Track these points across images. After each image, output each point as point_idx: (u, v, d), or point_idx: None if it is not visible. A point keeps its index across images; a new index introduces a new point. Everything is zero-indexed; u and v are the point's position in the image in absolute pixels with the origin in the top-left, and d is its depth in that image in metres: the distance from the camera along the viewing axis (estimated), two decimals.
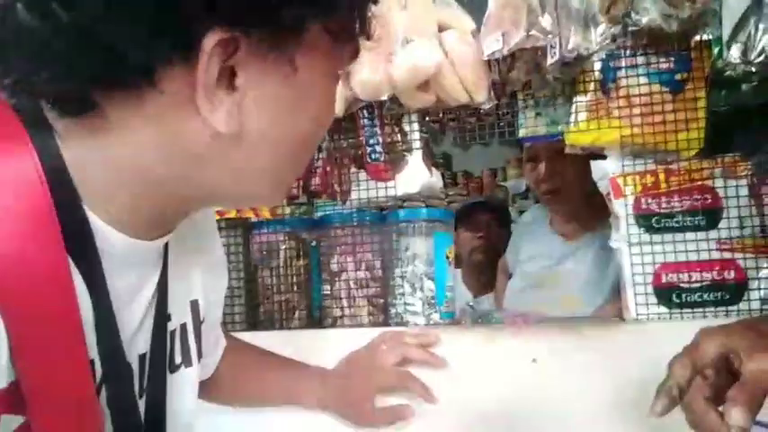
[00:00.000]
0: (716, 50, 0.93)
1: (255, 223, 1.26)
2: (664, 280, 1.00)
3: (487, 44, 0.97)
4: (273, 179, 0.55)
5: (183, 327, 0.66)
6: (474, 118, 1.18)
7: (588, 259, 1.53)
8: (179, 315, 0.65)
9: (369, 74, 1.00)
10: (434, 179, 1.19)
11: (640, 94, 1.01)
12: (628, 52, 1.01)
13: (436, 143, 1.38)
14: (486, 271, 2.22)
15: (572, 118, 1.05)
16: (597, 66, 1.03)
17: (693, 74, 1.00)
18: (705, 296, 0.99)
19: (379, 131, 1.18)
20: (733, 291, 0.98)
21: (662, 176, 1.02)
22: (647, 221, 1.02)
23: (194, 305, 0.68)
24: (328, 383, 1.02)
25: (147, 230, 0.54)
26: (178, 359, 0.65)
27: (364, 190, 1.21)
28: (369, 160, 1.19)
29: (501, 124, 1.16)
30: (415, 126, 1.17)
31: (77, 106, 0.46)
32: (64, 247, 0.46)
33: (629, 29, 0.94)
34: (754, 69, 0.90)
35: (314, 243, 1.25)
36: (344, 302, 1.16)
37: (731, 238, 0.98)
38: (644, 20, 0.92)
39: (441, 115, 1.23)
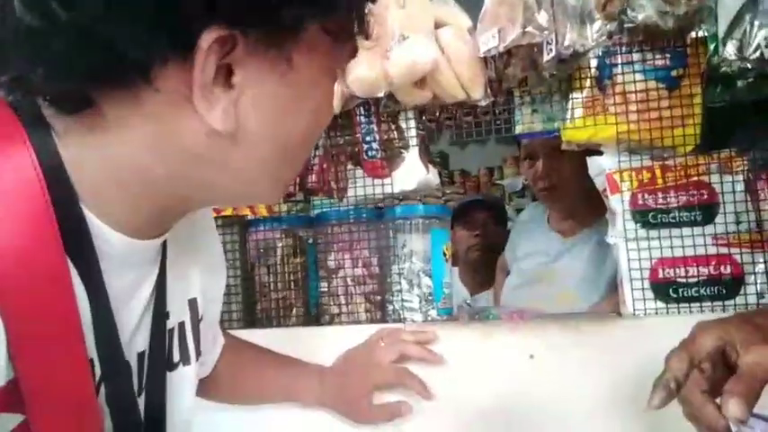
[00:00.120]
0: (711, 47, 0.93)
1: (252, 221, 1.26)
2: (660, 275, 1.01)
3: (483, 41, 0.98)
4: (271, 177, 0.55)
5: (182, 325, 0.66)
6: (470, 117, 1.18)
7: (585, 255, 1.53)
8: (177, 313, 0.65)
9: (365, 71, 1.00)
10: (431, 176, 1.19)
11: (636, 91, 1.01)
12: (624, 49, 1.02)
13: (433, 142, 1.38)
14: (482, 269, 2.23)
15: (568, 114, 1.05)
16: (593, 62, 1.03)
17: (689, 70, 1.00)
18: (702, 291, 0.99)
19: (375, 128, 1.18)
20: (729, 285, 0.99)
21: (658, 172, 1.02)
22: (644, 217, 1.02)
23: (192, 303, 0.68)
24: (326, 381, 1.02)
25: (145, 229, 0.54)
26: (176, 357, 0.65)
27: (361, 187, 1.21)
28: (365, 157, 1.19)
29: (497, 121, 1.16)
30: (412, 123, 1.17)
31: (75, 104, 0.46)
32: (62, 246, 0.46)
33: (625, 25, 0.95)
34: (749, 66, 0.91)
35: (311, 240, 1.25)
36: (342, 299, 1.16)
37: (727, 233, 0.99)
38: (640, 16, 0.92)
39: (437, 114, 1.23)
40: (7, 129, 0.46)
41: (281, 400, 1.04)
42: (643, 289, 1.01)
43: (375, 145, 1.18)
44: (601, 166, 1.05)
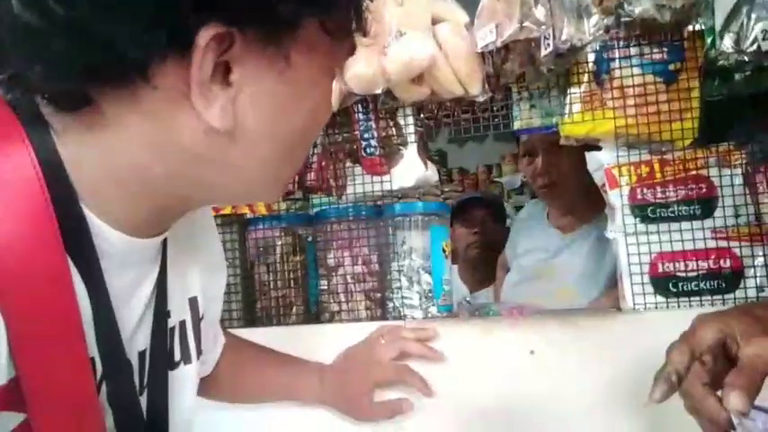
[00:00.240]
0: (709, 40, 0.93)
1: (251, 219, 1.26)
2: (660, 269, 1.01)
3: (481, 36, 0.97)
4: (270, 176, 0.55)
5: (183, 324, 0.66)
6: (468, 114, 1.18)
7: (584, 251, 1.53)
8: (178, 312, 0.65)
9: (363, 67, 1.00)
10: (430, 173, 1.19)
11: (634, 85, 1.01)
12: (621, 43, 1.01)
13: (431, 139, 1.38)
14: (481, 266, 2.23)
15: (566, 109, 1.05)
16: (591, 57, 1.03)
17: (687, 64, 1.00)
18: (701, 285, 0.99)
19: (373, 125, 1.18)
20: (729, 279, 0.99)
21: (657, 166, 1.02)
22: (643, 212, 1.02)
23: (193, 302, 0.68)
24: (326, 379, 1.02)
25: (145, 228, 0.54)
26: (177, 356, 0.65)
27: (360, 184, 1.21)
28: (364, 154, 1.19)
29: (495, 118, 1.16)
30: (410, 120, 1.17)
31: (73, 102, 0.46)
32: (62, 245, 0.46)
33: (623, 19, 0.95)
34: (746, 59, 0.91)
35: (310, 238, 1.25)
36: (342, 297, 1.16)
37: (726, 226, 0.99)
38: (637, 10, 0.92)
39: (435, 111, 1.23)
40: (6, 127, 0.46)
41: (282, 398, 1.04)
42: (643, 283, 1.01)
43: (373, 142, 1.18)
44: (599, 161, 1.05)
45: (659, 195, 1.01)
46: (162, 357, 0.61)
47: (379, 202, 1.22)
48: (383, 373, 1.02)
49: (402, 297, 1.12)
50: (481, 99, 1.05)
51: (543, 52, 0.95)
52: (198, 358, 0.69)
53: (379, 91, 1.03)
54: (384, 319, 1.13)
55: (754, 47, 0.89)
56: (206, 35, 0.43)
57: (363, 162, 1.20)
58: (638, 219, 1.02)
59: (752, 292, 0.98)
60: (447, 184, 3.60)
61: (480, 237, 2.26)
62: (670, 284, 1.00)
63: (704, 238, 0.99)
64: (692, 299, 1.00)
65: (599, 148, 1.06)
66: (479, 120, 1.17)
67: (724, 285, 0.99)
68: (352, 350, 1.05)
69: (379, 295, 1.16)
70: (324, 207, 1.25)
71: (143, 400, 0.58)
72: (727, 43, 0.91)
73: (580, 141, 1.06)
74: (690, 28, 0.98)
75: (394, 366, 1.02)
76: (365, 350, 1.04)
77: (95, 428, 0.50)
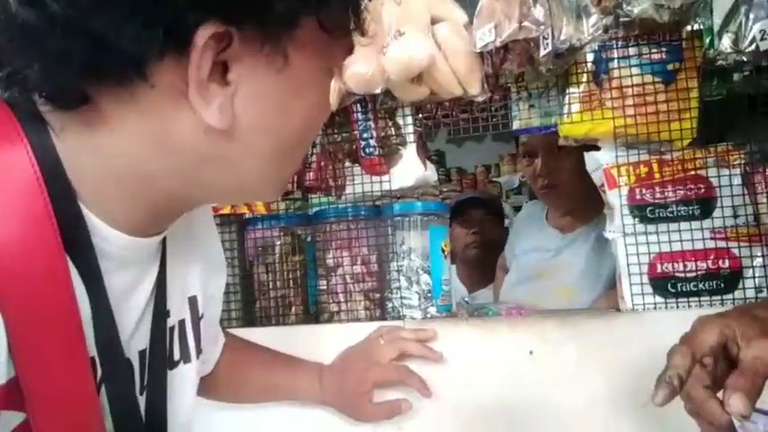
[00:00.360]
0: (707, 40, 0.93)
1: (250, 219, 1.26)
2: (659, 270, 1.01)
3: (480, 36, 0.97)
4: (269, 174, 0.55)
5: (182, 323, 0.66)
6: (467, 114, 1.18)
7: (583, 252, 1.53)
8: (177, 311, 0.65)
9: (362, 67, 1.00)
10: (429, 172, 1.19)
11: (633, 85, 1.01)
12: (620, 43, 1.02)
13: (430, 139, 1.37)
14: (480, 267, 2.23)
15: (565, 109, 1.05)
16: (590, 57, 1.03)
17: (685, 64, 1.00)
18: (700, 285, 0.99)
19: (372, 125, 1.18)
20: (728, 279, 0.99)
21: (655, 167, 1.02)
22: (642, 212, 1.02)
23: (193, 301, 0.68)
24: (326, 379, 1.02)
25: (144, 227, 0.54)
26: (177, 355, 0.65)
27: (359, 184, 1.20)
28: (363, 154, 1.19)
29: (494, 118, 1.16)
30: (409, 119, 1.17)
31: (71, 100, 0.46)
32: (62, 245, 0.46)
33: (621, 19, 0.95)
34: (745, 59, 0.91)
35: (309, 238, 1.25)
36: (341, 297, 1.16)
37: (725, 227, 0.99)
38: (635, 10, 0.92)
39: (434, 112, 1.22)
40: (4, 126, 0.46)
41: (282, 398, 1.04)
42: (642, 284, 1.01)
43: (372, 142, 1.18)
44: (598, 162, 1.05)
45: (658, 195, 1.01)
46: (161, 356, 0.61)
47: (378, 202, 1.22)
48: (382, 374, 1.02)
49: (401, 297, 1.12)
50: (480, 99, 1.05)
51: (542, 52, 0.95)
52: (197, 357, 0.69)
53: (378, 91, 1.03)
54: (383, 320, 1.13)
55: (753, 47, 0.89)
56: (204, 34, 0.43)
57: (362, 162, 1.20)
58: (637, 219, 1.02)
59: (751, 293, 0.98)
60: (445, 183, 3.59)
61: (479, 237, 2.26)
62: (669, 285, 1.00)
63: (703, 239, 0.99)
64: (690, 299, 1.00)
65: (598, 149, 1.06)
66: (478, 120, 1.17)
67: (723, 286, 0.99)
68: (352, 350, 1.05)
69: (378, 295, 1.16)
70: (323, 207, 1.25)
71: (142, 399, 0.58)
72: (726, 43, 0.91)
73: (579, 141, 1.06)
74: (688, 28, 0.98)
75: (393, 367, 1.02)
76: (364, 350, 1.04)
77: (95, 428, 0.50)
